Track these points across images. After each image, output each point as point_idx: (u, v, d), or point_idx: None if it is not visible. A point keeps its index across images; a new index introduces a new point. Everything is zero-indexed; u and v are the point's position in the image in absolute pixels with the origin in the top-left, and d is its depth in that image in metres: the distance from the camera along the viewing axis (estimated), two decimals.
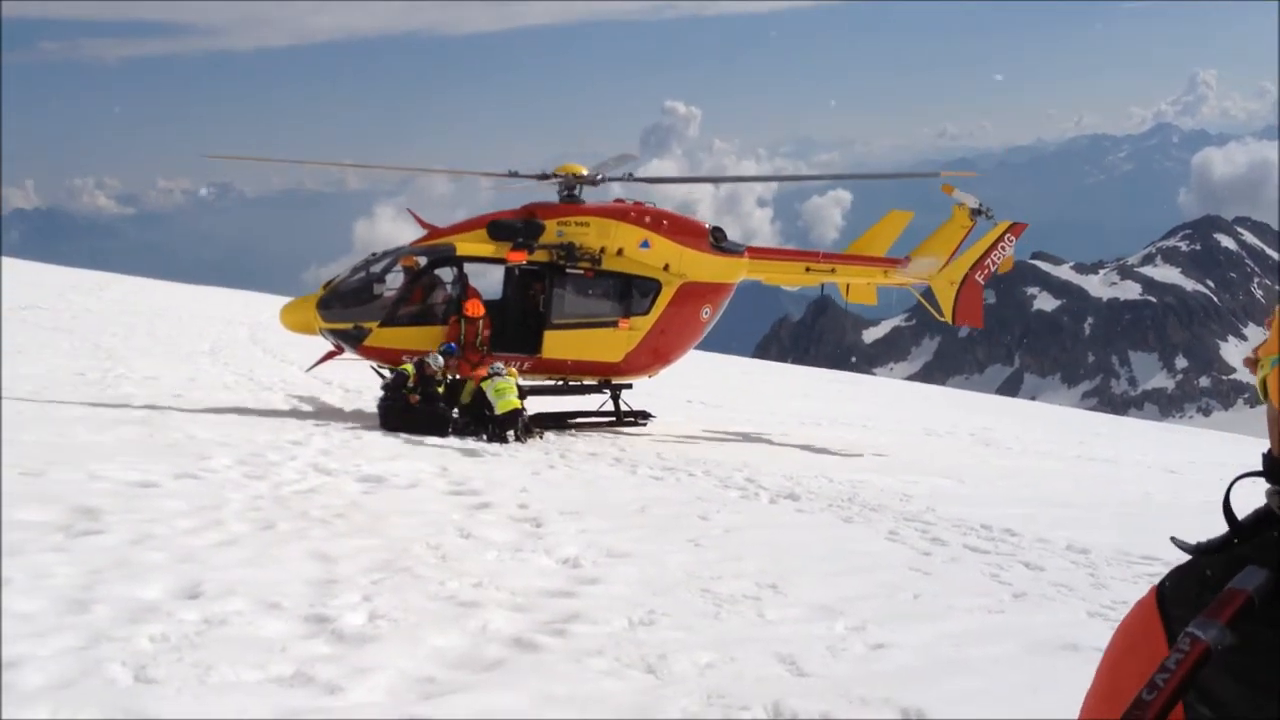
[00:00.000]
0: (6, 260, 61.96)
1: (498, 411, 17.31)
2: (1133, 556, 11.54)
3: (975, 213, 21.35)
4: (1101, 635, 8.24)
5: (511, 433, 17.21)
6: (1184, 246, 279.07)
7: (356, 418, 18.16)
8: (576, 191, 20.07)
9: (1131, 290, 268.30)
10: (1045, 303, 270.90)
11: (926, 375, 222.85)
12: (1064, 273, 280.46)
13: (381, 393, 17.86)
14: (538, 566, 9.08)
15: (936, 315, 22.17)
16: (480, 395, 17.59)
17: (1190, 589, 1.65)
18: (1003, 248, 21.75)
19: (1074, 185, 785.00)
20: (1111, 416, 65.30)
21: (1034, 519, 13.42)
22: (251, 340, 31.65)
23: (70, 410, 16.17)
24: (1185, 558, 1.73)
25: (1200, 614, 1.52)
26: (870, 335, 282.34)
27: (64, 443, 13.08)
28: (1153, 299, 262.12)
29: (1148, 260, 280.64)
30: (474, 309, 18.72)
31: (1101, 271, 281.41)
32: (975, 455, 23.04)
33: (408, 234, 19.87)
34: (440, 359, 17.85)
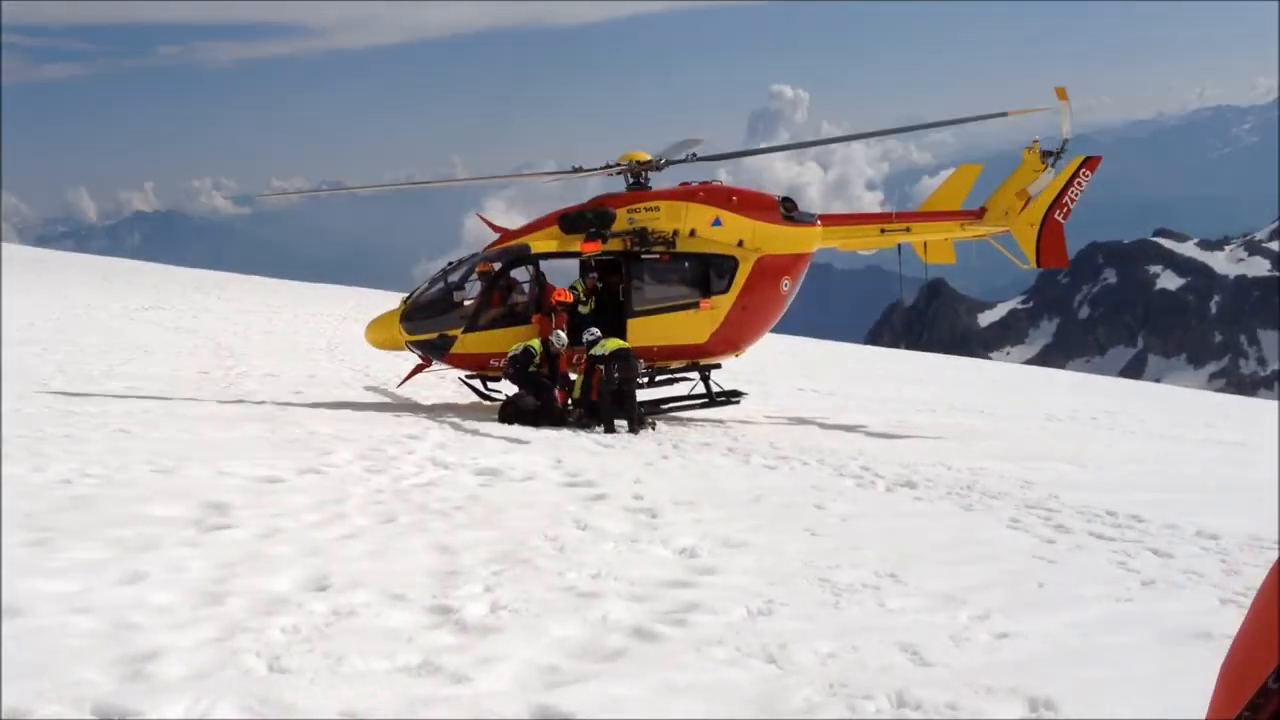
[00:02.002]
0: (129, 262, 64.16)
1: (607, 352, 17.48)
2: (1265, 542, 11.16)
3: (1047, 154, 20.85)
4: (1235, 623, 7.99)
5: (625, 422, 17.38)
6: None
7: (471, 411, 18.41)
8: (643, 178, 20.08)
9: (1260, 266, 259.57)
10: (1169, 281, 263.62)
11: (1045, 359, 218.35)
12: (1188, 250, 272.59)
13: (511, 368, 18.06)
14: (655, 557, 9.09)
15: (1019, 263, 21.76)
16: (588, 387, 17.80)
17: None
18: (1079, 183, 21.31)
19: (1197, 159, 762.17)
20: (1240, 398, 63.25)
21: (1161, 504, 13.06)
22: None
23: (196, 408, 16.67)
24: None
25: None
26: (985, 319, 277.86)
27: (192, 440, 13.48)
28: None
29: (1276, 235, 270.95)
30: (566, 295, 18.87)
31: (1228, 248, 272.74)
32: (1098, 440, 22.50)
33: (517, 225, 20.08)
34: (564, 337, 18.11)
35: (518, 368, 17.82)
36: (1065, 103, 20.21)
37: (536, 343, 17.97)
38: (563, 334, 18.25)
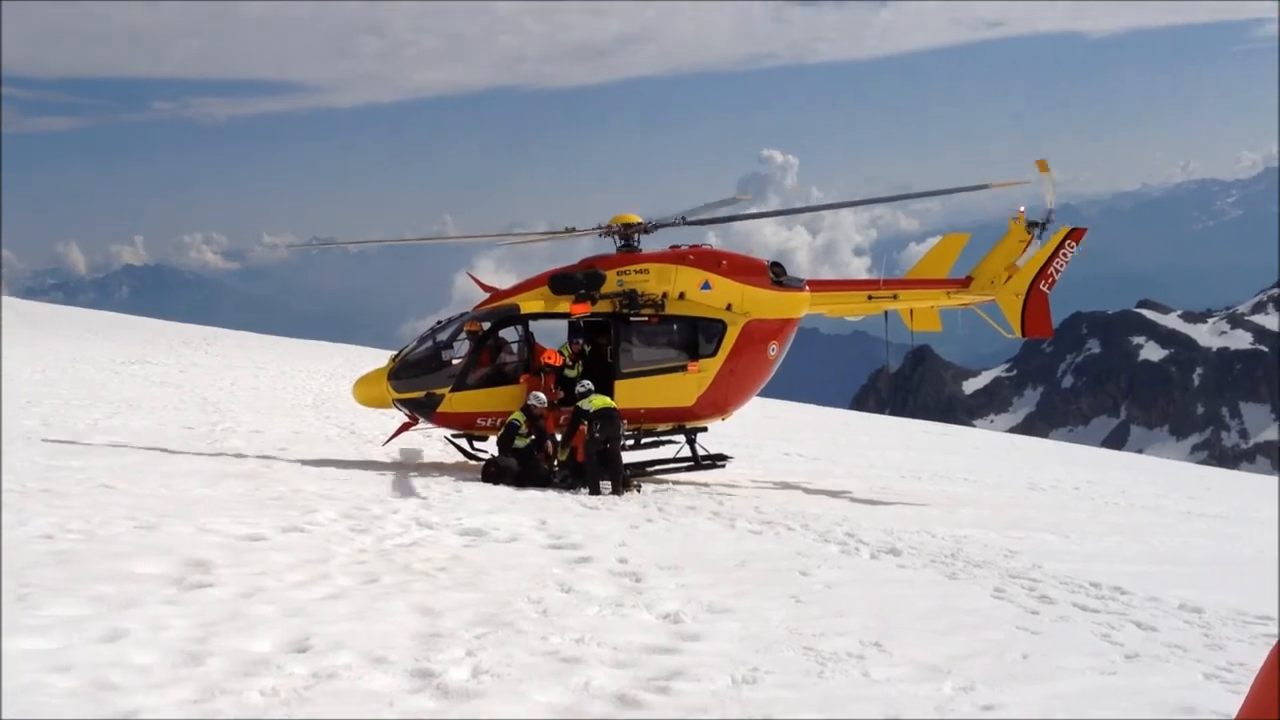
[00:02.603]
0: (117, 315, 64.06)
1: (592, 409, 17.49)
2: (1249, 616, 11.18)
3: (1033, 225, 21.22)
4: (1219, 698, 8.01)
5: (608, 484, 17.36)
6: None
7: (456, 471, 18.37)
8: (634, 240, 20.23)
9: (1242, 339, 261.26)
10: (1152, 352, 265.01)
11: (1029, 427, 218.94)
12: (1171, 321, 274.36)
13: (496, 450, 18.10)
14: (639, 622, 9.05)
15: (1004, 332, 21.97)
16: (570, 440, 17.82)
17: None
18: (1064, 254, 21.58)
19: (1181, 232, 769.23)
20: (1223, 470, 63.40)
21: (1144, 577, 13.08)
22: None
23: (180, 463, 16.60)
24: None
25: None
26: (970, 386, 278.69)
27: (175, 496, 13.41)
28: (1265, 348, 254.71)
29: (1259, 308, 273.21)
30: (554, 357, 18.92)
31: (1210, 320, 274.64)
32: (1081, 510, 22.53)
33: (506, 284, 20.15)
34: (543, 397, 18.11)
35: (505, 445, 17.80)
36: (1047, 175, 20.58)
37: (519, 414, 17.96)
38: (541, 395, 18.25)
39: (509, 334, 19.46)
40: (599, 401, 17.78)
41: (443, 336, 19.47)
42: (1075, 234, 21.80)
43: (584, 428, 17.71)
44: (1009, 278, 21.34)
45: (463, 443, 19.63)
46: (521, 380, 18.93)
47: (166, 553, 9.89)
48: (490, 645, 7.90)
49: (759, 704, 7.04)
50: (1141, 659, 9.14)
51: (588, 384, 18.15)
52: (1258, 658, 9.33)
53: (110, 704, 6.09)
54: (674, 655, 8.08)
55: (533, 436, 17.87)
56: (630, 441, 19.38)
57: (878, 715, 7.02)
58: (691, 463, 20.18)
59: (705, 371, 19.72)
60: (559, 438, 18.17)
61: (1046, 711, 7.48)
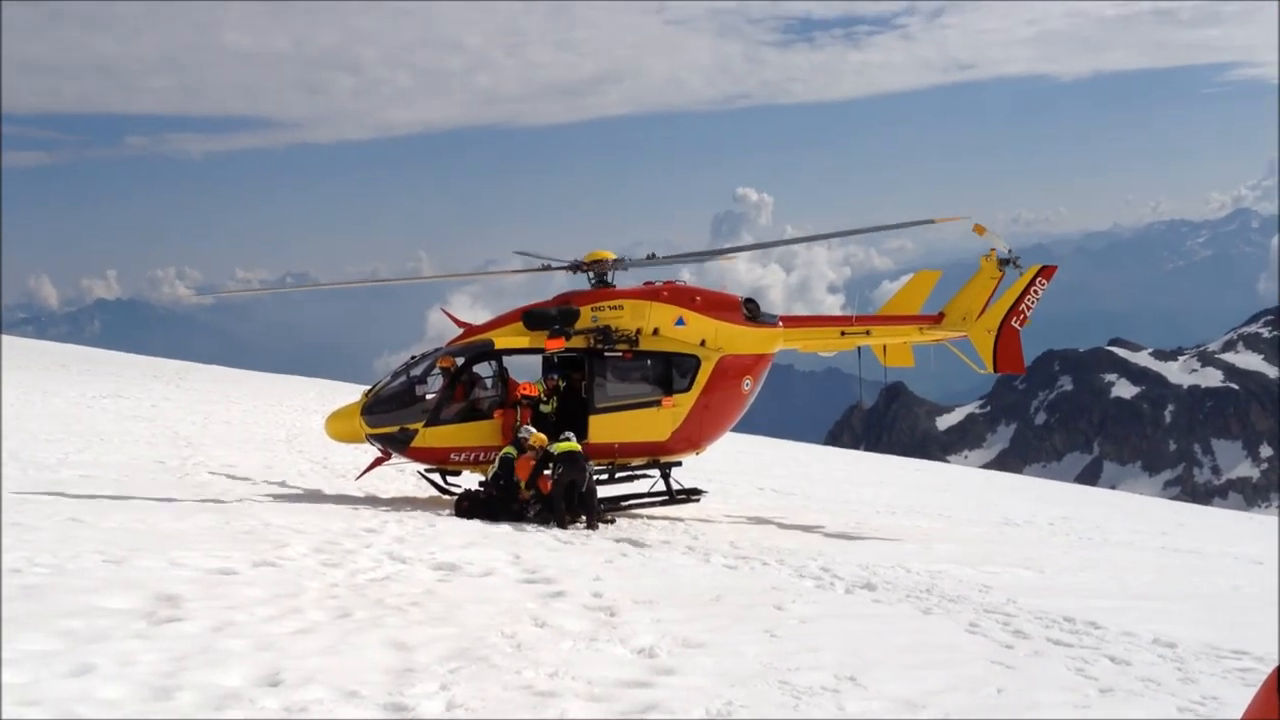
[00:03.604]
0: (89, 349, 63.61)
1: (556, 452, 17.47)
2: (1222, 651, 11.22)
3: (1004, 262, 21.54)
4: None
5: (582, 519, 17.33)
6: (1266, 333, 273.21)
7: (429, 505, 18.28)
8: (608, 277, 20.29)
9: (1213, 377, 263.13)
10: (1124, 389, 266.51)
11: (1002, 463, 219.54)
12: (1143, 359, 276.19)
13: (486, 488, 18.08)
14: (613, 656, 9.01)
15: (976, 368, 22.15)
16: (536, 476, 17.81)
17: None
18: (1035, 291, 21.81)
19: (1152, 271, 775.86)
20: (1195, 506, 63.74)
21: (1118, 612, 13.11)
22: None
23: (151, 497, 16.46)
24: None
25: None
26: (944, 422, 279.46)
27: (146, 530, 13.29)
28: (1235, 386, 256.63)
29: (1229, 347, 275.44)
30: (531, 389, 18.90)
31: (1181, 358, 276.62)
32: (1055, 545, 22.59)
33: (481, 320, 20.14)
34: (532, 429, 18.07)
35: (504, 482, 17.75)
36: (985, 235, 21.14)
37: (511, 449, 17.94)
38: (530, 427, 18.23)
39: (483, 369, 19.43)
40: (562, 446, 17.75)
41: (416, 372, 19.42)
42: (1046, 271, 22.03)
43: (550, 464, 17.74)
44: (981, 313, 21.53)
45: (436, 477, 19.54)
46: (496, 415, 18.89)
47: (136, 587, 9.79)
48: (464, 680, 7.84)
49: None
50: (1116, 693, 9.16)
51: (569, 434, 18.12)
52: (1231, 692, 9.36)
53: None
54: (649, 689, 8.04)
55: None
56: (604, 476, 19.34)
57: None
58: (666, 497, 20.16)
59: (680, 406, 19.74)
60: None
61: None
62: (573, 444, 17.86)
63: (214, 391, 42.51)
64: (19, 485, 16.29)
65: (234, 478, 19.93)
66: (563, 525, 17.22)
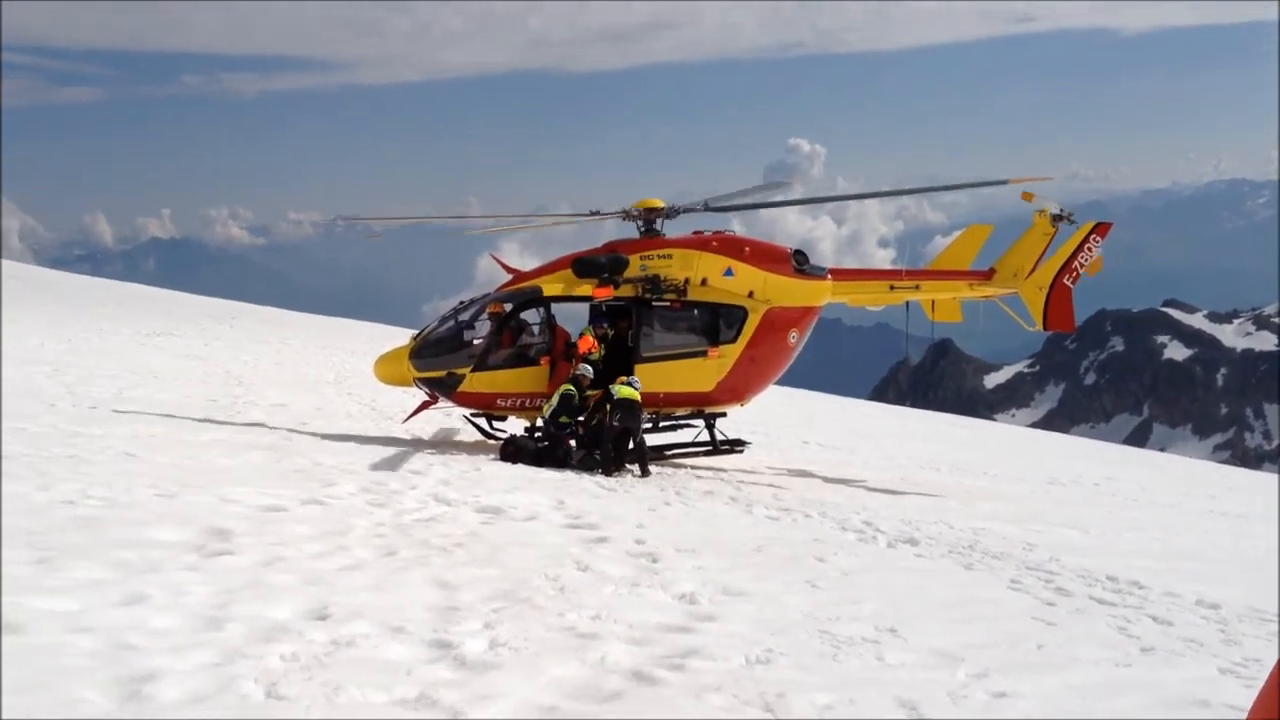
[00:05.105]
0: (143, 288, 64.42)
1: (616, 396, 17.66)
2: (1266, 614, 11.13)
3: (1056, 218, 21.21)
4: (1233, 693, 7.99)
5: (633, 466, 17.45)
6: None
7: (475, 449, 18.42)
8: (657, 225, 20.21)
9: (1268, 341, 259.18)
10: (1176, 352, 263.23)
11: (1050, 423, 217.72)
12: (1197, 321, 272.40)
13: (533, 432, 18.43)
14: (655, 602, 9.08)
15: (1025, 325, 21.84)
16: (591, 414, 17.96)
17: None
18: (1089, 249, 21.50)
19: (1210, 231, 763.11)
20: (1245, 470, 63.03)
21: (1162, 572, 13.03)
22: None
23: (203, 434, 16.70)
24: None
25: None
26: (992, 380, 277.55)
27: (197, 466, 13.51)
28: None
29: None
30: (591, 344, 18.89)
31: (1236, 321, 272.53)
32: (1101, 506, 22.44)
33: (529, 267, 20.16)
34: (589, 367, 18.15)
35: (558, 416, 17.87)
36: (1034, 200, 20.79)
37: (569, 385, 17.98)
38: (588, 366, 18.27)
39: (531, 316, 19.48)
40: (624, 392, 17.83)
41: (465, 317, 19.50)
42: (1100, 229, 21.71)
43: (606, 410, 17.85)
44: (1032, 271, 21.28)
45: (482, 422, 19.66)
46: (542, 363, 18.96)
47: (187, 521, 9.98)
48: (507, 619, 7.94)
49: (772, 683, 7.07)
50: (1157, 652, 9.12)
51: (634, 381, 18.21)
52: (1273, 654, 9.30)
53: (130, 665, 6.16)
54: (689, 634, 8.11)
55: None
56: (649, 424, 19.40)
57: (890, 699, 7.04)
58: (710, 447, 20.19)
59: (725, 357, 19.70)
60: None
61: (1060, 701, 7.48)
62: (634, 392, 17.91)
63: (265, 332, 42.99)
64: (73, 420, 16.57)
65: (284, 417, 20.16)
66: (608, 472, 17.32)
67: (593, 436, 17.99)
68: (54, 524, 9.30)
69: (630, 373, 18.89)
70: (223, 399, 22.05)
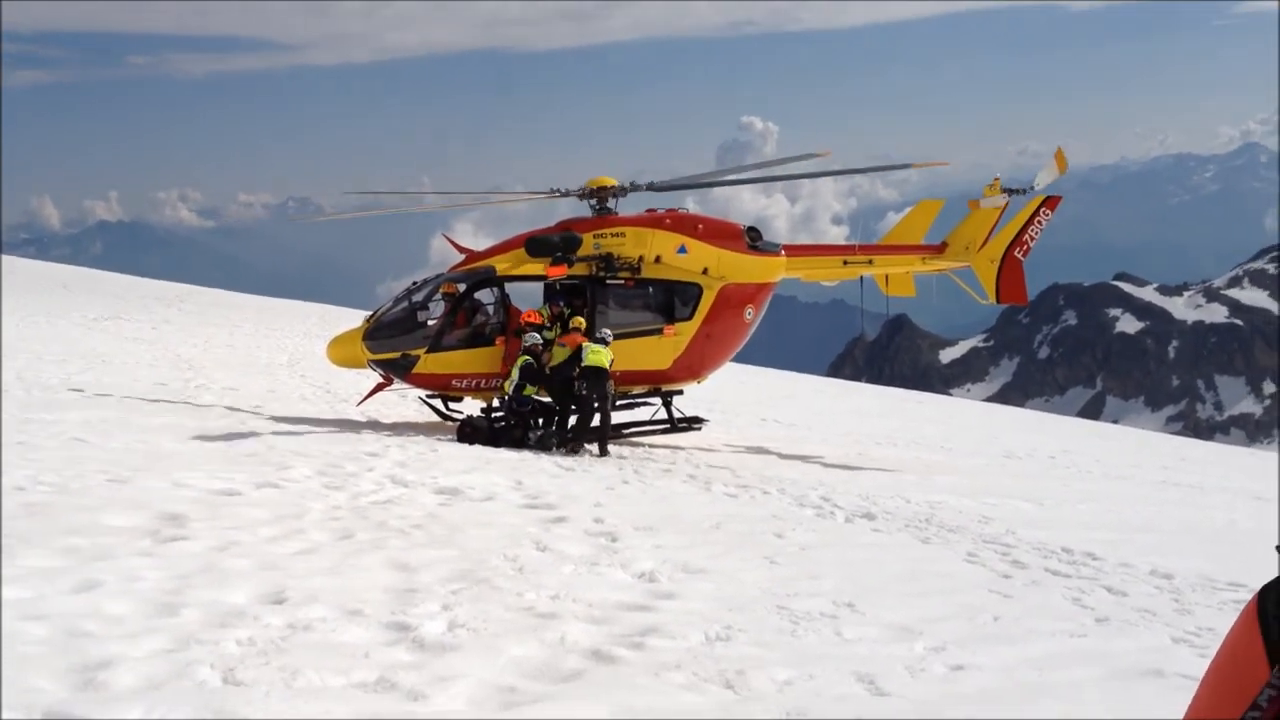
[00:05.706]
0: (90, 271, 63.54)
1: (585, 363, 17.64)
2: (1218, 583, 11.31)
3: (1012, 191, 21.36)
4: (1187, 662, 8.09)
5: (593, 446, 17.49)
6: (1272, 269, 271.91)
7: (431, 430, 18.34)
8: (611, 204, 20.19)
9: (1218, 313, 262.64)
10: (1128, 325, 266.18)
11: (1004, 397, 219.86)
12: (1148, 294, 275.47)
13: (489, 412, 18.40)
14: (614, 580, 9.08)
15: (978, 298, 22.07)
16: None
17: None
18: (1039, 222, 21.71)
19: (1158, 206, 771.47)
20: (1197, 441, 63.97)
21: (1116, 544, 13.19)
22: None
23: (153, 419, 16.51)
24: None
25: None
26: (947, 355, 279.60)
27: (149, 450, 13.35)
28: (1239, 322, 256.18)
29: (1234, 283, 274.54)
30: (535, 317, 18.84)
31: (1186, 294, 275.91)
32: (1055, 478, 22.67)
33: (483, 246, 20.07)
34: (536, 335, 18.08)
35: (521, 389, 17.79)
36: (1053, 167, 20.95)
37: (524, 357, 17.88)
38: (536, 334, 18.18)
39: (485, 296, 19.39)
40: (594, 357, 17.73)
41: (418, 297, 19.39)
42: (1050, 202, 21.89)
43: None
44: (984, 244, 21.45)
45: (437, 403, 19.58)
46: (498, 342, 18.89)
47: (140, 506, 9.86)
48: (466, 600, 7.91)
49: (732, 660, 7.08)
50: (1111, 623, 9.24)
51: (606, 333, 18.21)
52: (1225, 622, 9.43)
53: (84, 652, 6.07)
54: (649, 613, 8.11)
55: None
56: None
57: (849, 673, 7.07)
58: (667, 425, 20.22)
59: (681, 335, 19.73)
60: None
61: (1017, 673, 7.55)
62: (603, 357, 17.79)
63: (215, 315, 42.54)
64: (22, 405, 16.33)
65: (236, 401, 19.97)
66: (565, 446, 17.30)
67: (560, 400, 17.98)
68: (4, 511, 9.15)
69: None
70: (173, 383, 21.81)
